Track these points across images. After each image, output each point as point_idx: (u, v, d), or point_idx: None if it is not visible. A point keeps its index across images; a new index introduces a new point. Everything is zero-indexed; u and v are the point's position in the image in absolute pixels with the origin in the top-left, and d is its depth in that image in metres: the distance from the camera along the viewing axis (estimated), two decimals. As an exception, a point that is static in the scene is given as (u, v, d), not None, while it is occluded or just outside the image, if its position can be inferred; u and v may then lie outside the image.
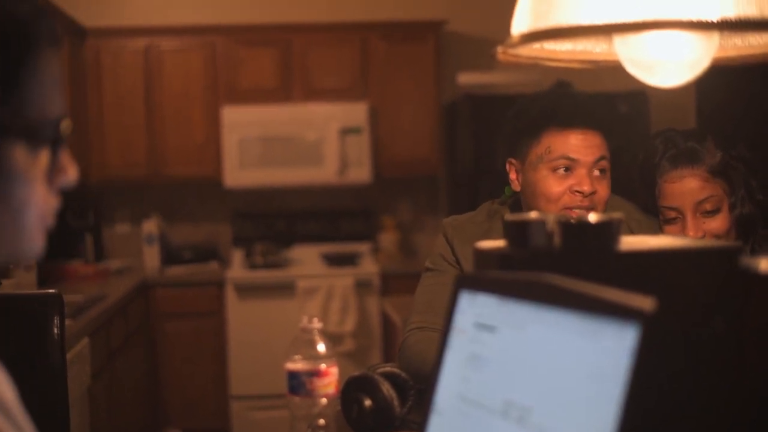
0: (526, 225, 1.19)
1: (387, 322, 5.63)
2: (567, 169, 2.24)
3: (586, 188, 2.21)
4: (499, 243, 1.26)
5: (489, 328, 1.13)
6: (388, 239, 6.46)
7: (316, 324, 1.55)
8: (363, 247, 6.40)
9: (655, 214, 2.34)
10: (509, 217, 1.23)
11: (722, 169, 2.25)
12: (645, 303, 0.92)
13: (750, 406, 1.08)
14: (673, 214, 2.28)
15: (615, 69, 4.82)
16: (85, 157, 5.97)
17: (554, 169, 2.24)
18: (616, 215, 1.20)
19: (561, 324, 1.02)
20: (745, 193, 2.27)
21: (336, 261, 6.11)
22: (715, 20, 1.10)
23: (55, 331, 2.20)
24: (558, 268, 1.08)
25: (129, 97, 6.13)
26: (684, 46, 1.29)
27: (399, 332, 4.41)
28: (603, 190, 2.24)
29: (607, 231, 1.18)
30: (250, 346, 5.81)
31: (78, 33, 5.89)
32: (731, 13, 1.13)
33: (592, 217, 1.18)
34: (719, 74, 4.65)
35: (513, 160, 2.34)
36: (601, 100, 2.39)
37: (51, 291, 2.25)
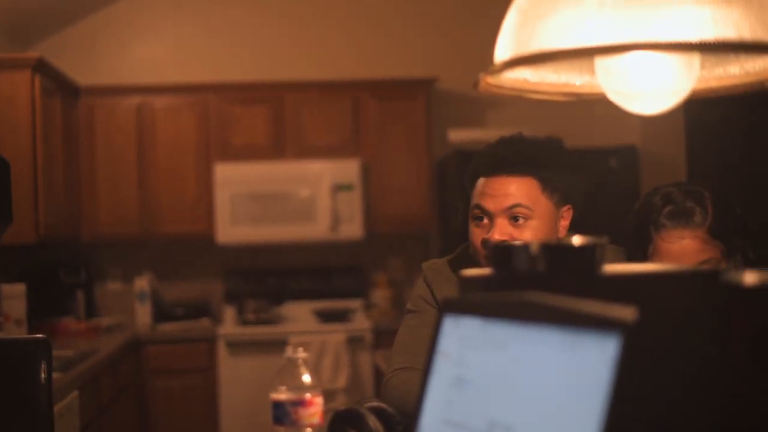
0: (509, 249, 1.19)
1: (379, 377, 5.59)
2: (482, 218, 2.24)
3: (495, 236, 2.15)
4: (484, 270, 1.26)
5: (472, 350, 1.13)
6: (380, 295, 6.45)
7: (301, 354, 1.54)
8: (355, 304, 6.39)
9: None
10: (493, 242, 1.23)
11: (721, 231, 2.21)
12: (626, 313, 0.91)
13: (740, 421, 1.07)
14: None
15: (605, 124, 4.87)
16: (78, 215, 5.98)
17: (473, 219, 2.27)
18: (600, 239, 1.20)
19: (542, 340, 1.02)
20: (741, 255, 2.24)
21: (328, 317, 6.09)
22: (694, 41, 1.11)
23: (43, 376, 2.16)
24: (541, 291, 1.08)
25: (121, 154, 6.16)
26: (664, 72, 1.31)
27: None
28: (524, 238, 2.16)
29: (591, 254, 1.18)
30: (242, 403, 5.76)
31: (72, 91, 5.93)
32: (710, 35, 1.14)
33: (576, 240, 1.18)
34: (710, 128, 4.67)
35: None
36: (549, 144, 2.32)
37: (38, 336, 2.21)
